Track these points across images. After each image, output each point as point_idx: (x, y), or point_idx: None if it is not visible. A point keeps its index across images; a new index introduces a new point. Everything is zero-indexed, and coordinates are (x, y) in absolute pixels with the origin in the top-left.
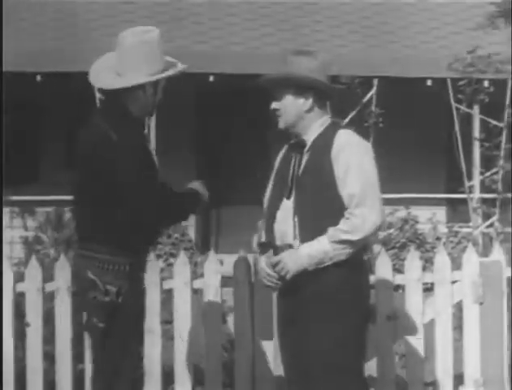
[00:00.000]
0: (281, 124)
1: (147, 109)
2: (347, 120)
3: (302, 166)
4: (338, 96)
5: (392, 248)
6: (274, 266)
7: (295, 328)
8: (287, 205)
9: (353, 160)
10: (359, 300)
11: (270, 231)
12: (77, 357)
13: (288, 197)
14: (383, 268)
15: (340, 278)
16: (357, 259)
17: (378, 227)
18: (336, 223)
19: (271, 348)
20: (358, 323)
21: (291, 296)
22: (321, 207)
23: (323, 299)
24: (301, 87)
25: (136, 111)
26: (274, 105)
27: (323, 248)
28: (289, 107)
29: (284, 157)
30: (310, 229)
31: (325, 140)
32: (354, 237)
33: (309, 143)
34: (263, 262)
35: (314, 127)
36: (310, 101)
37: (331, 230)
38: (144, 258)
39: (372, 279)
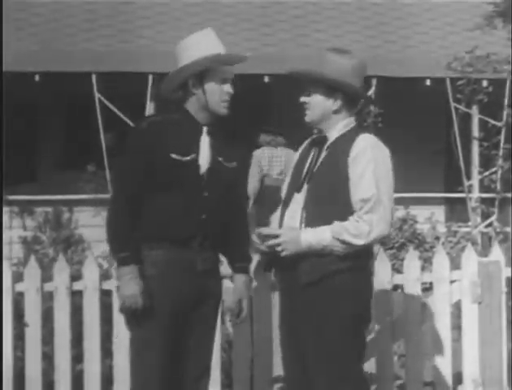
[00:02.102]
0: (307, 118)
1: (206, 107)
2: None
3: (319, 163)
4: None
5: (390, 247)
6: (272, 236)
7: (295, 329)
8: (297, 199)
9: (370, 166)
10: (360, 303)
11: (280, 221)
12: (76, 358)
13: (299, 191)
14: (381, 268)
15: (346, 276)
16: (364, 260)
17: (383, 237)
18: None
19: (270, 348)
20: (358, 325)
21: (292, 296)
22: (329, 206)
23: (323, 300)
24: (331, 88)
25: (197, 115)
26: (303, 98)
27: (324, 241)
28: (317, 105)
29: (304, 151)
30: (315, 226)
31: (346, 142)
32: (358, 242)
33: (330, 141)
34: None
35: (338, 126)
36: (339, 102)
37: (337, 225)
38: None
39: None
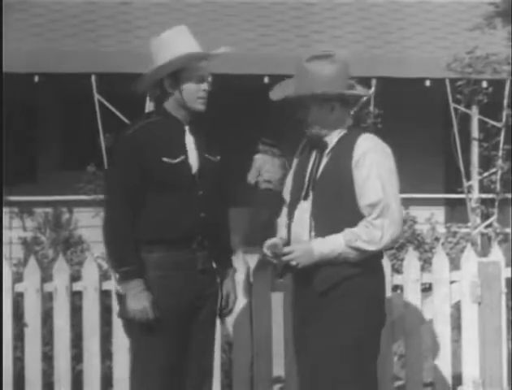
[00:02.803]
0: (309, 133)
1: (183, 106)
2: None
3: (321, 169)
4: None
5: (390, 248)
6: (284, 254)
7: (309, 329)
8: (303, 206)
9: (374, 169)
10: (375, 303)
11: (288, 230)
12: (76, 358)
13: (305, 199)
14: None
15: (358, 281)
16: (375, 263)
17: (395, 240)
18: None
19: (270, 348)
20: (372, 327)
21: (307, 303)
22: (337, 212)
23: (339, 301)
24: (324, 99)
25: (177, 113)
26: (299, 114)
27: (337, 249)
28: (316, 119)
29: (304, 156)
30: (325, 233)
31: (346, 145)
32: (371, 248)
33: (330, 146)
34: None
35: (337, 129)
36: (335, 109)
37: (348, 233)
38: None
39: None
